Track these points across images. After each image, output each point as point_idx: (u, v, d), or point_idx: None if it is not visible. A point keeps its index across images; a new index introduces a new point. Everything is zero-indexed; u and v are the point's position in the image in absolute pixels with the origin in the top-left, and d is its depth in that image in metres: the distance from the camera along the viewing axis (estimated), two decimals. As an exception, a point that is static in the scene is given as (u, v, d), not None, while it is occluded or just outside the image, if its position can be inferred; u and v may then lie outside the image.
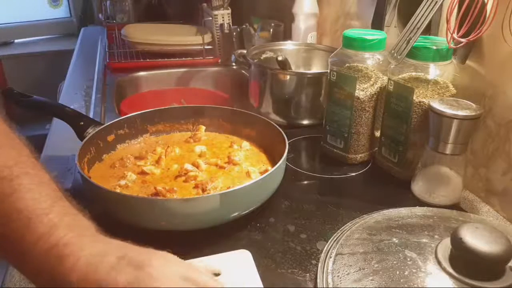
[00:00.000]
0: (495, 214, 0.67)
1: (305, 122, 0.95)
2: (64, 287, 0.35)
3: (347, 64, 0.75)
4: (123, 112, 1.04)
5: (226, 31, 1.37)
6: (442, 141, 0.63)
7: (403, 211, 0.59)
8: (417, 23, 0.65)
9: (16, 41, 2.64)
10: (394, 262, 0.47)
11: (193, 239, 0.56)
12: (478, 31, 0.61)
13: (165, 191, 0.61)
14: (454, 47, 0.65)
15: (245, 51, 1.12)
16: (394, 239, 0.51)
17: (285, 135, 0.70)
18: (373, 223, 0.56)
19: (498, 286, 0.43)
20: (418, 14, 0.65)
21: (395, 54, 0.68)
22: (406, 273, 0.46)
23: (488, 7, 0.60)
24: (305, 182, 0.75)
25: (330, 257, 0.51)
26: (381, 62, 0.74)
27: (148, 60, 1.37)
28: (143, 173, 0.68)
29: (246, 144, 0.78)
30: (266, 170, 0.67)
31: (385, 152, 0.75)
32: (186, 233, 0.57)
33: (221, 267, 0.50)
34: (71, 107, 0.78)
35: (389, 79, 0.71)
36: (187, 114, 0.83)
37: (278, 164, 0.62)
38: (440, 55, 0.66)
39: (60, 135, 0.89)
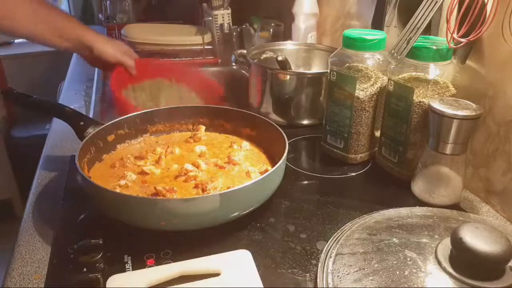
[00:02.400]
0: (495, 214, 0.67)
1: (305, 122, 0.95)
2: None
3: (347, 64, 0.75)
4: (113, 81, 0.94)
5: (226, 31, 1.37)
6: (442, 141, 0.63)
7: (403, 211, 0.59)
8: (417, 23, 0.65)
9: (16, 41, 2.63)
10: (394, 262, 0.47)
11: (193, 239, 0.56)
12: (478, 31, 0.61)
13: (165, 191, 0.61)
14: (454, 47, 0.65)
15: (245, 51, 1.12)
16: (394, 239, 0.51)
17: (285, 135, 0.70)
18: (373, 223, 0.56)
19: (498, 286, 0.43)
20: (418, 14, 0.65)
21: (395, 54, 0.68)
22: (406, 273, 0.46)
23: (488, 7, 0.60)
24: (305, 182, 0.75)
25: (330, 257, 0.51)
26: (381, 62, 0.74)
27: (148, 60, 1.37)
28: (143, 173, 0.68)
29: (246, 144, 0.78)
30: (266, 170, 0.67)
31: (385, 152, 0.75)
32: (186, 233, 0.57)
33: (221, 267, 0.50)
34: (71, 107, 0.78)
35: (389, 79, 0.71)
36: (187, 114, 0.83)
37: (278, 164, 0.62)
38: (440, 55, 0.66)
39: (60, 135, 0.90)
